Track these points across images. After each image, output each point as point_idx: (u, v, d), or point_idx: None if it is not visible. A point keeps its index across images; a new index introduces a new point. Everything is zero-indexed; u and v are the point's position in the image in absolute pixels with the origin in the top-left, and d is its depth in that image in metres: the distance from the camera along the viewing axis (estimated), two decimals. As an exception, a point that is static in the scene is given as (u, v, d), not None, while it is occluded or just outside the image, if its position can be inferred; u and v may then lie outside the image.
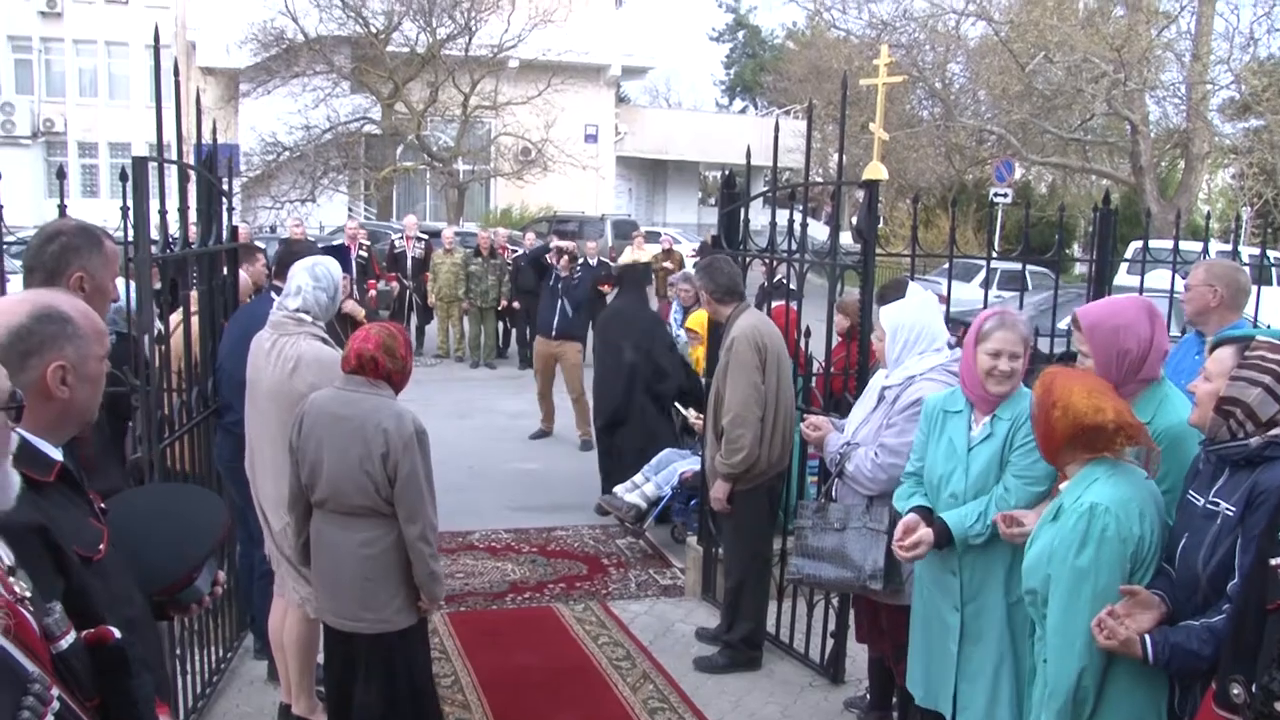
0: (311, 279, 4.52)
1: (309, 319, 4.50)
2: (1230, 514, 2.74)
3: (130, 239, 4.10)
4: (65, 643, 1.78)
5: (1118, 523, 2.91)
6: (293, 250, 5.35)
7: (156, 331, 4.35)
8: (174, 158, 4.61)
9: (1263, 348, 2.77)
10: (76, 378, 2.20)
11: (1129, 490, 2.97)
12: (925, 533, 3.69)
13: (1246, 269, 7.08)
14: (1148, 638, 2.80)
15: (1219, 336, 2.99)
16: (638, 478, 7.73)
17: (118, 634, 1.92)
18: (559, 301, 10.81)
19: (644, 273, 9.43)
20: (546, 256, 11.48)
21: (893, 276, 5.55)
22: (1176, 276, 5.73)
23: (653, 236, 23.31)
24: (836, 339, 5.86)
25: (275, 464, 4.44)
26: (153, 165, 4.24)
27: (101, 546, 2.15)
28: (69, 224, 3.11)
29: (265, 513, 4.60)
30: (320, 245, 10.71)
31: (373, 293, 14.16)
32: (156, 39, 4.37)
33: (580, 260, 11.36)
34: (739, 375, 5.30)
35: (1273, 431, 2.71)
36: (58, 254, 3.02)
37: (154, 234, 4.50)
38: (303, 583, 4.48)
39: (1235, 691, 2.43)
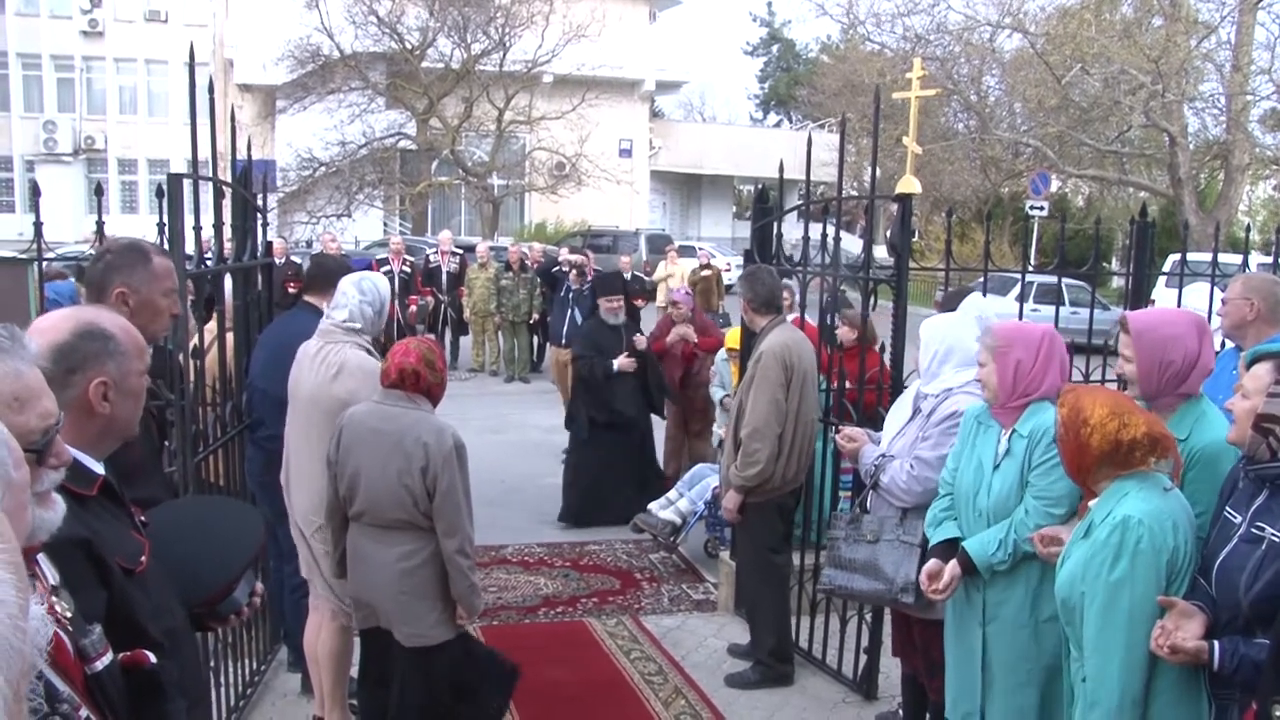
0: (358, 292, 4.62)
1: (357, 329, 4.57)
2: (1277, 540, 2.67)
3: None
4: (101, 664, 1.79)
5: (1151, 535, 2.86)
6: (323, 265, 5.45)
7: (192, 346, 4.40)
8: (209, 174, 4.65)
9: None
10: (118, 393, 2.24)
11: (1161, 503, 2.92)
12: (952, 568, 3.66)
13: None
14: (1216, 645, 2.73)
15: (1255, 351, 2.93)
16: (671, 494, 7.72)
17: (153, 658, 1.94)
18: (569, 311, 11.39)
19: (614, 283, 9.20)
20: (556, 269, 12.16)
21: (961, 286, 5.50)
22: (1215, 290, 5.66)
23: (687, 251, 23.30)
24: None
25: (310, 470, 4.46)
26: (188, 182, 4.28)
27: (143, 559, 2.18)
28: (118, 242, 3.20)
29: (298, 520, 4.62)
30: (353, 261, 10.82)
31: (413, 308, 14.30)
32: (192, 57, 4.41)
33: (589, 272, 11.77)
34: (763, 390, 5.32)
35: None
36: (102, 271, 3.14)
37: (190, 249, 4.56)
38: (335, 594, 4.51)
39: (1278, 714, 2.38)
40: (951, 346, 4.25)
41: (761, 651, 5.68)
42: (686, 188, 44.11)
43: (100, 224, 4.43)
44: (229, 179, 5.10)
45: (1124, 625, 2.87)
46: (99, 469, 2.18)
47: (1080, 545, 3.03)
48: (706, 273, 16.59)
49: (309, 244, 21.55)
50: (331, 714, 4.80)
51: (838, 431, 4.89)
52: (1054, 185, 31.19)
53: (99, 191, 4.66)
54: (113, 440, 2.29)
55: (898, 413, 4.62)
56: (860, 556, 4.38)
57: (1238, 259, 6.47)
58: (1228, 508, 2.88)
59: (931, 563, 3.77)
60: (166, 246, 4.12)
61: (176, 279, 3.28)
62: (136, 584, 2.10)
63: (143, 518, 2.31)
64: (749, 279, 5.63)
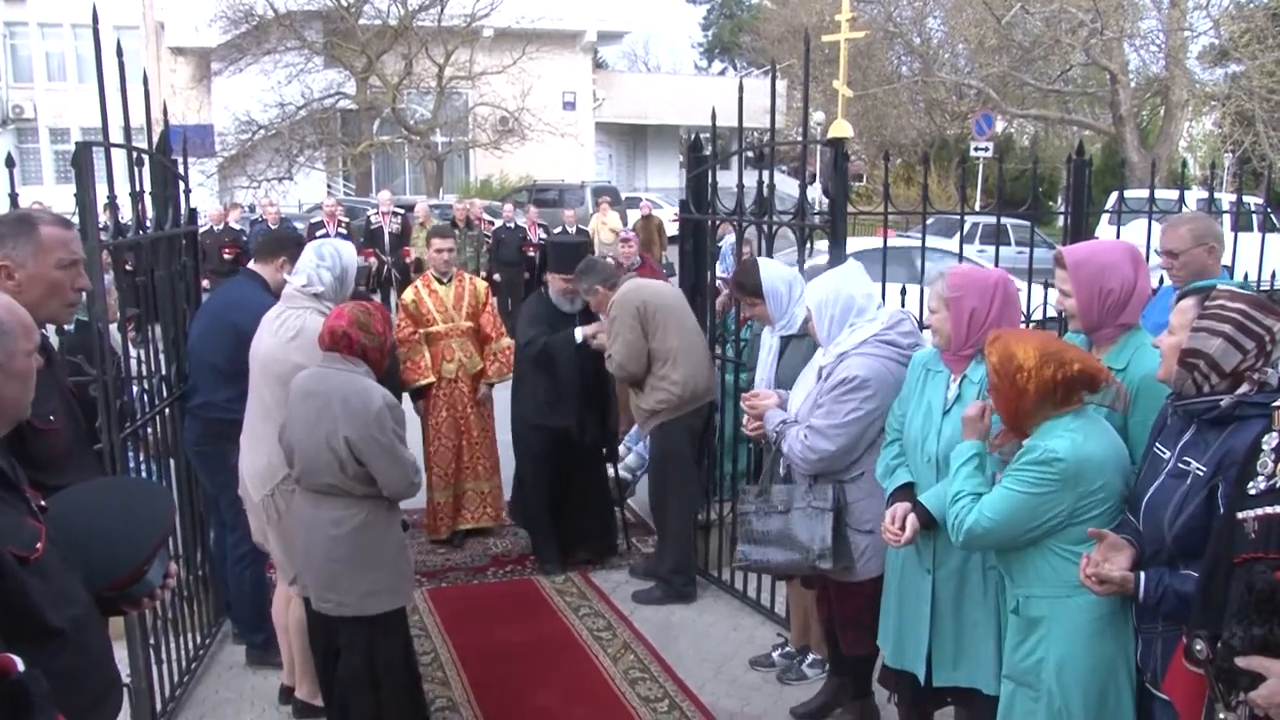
0: (317, 258, 4.57)
1: (317, 295, 4.50)
2: (1200, 474, 2.68)
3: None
4: None
5: (1066, 467, 2.93)
6: (274, 234, 5.65)
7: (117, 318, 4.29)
8: (136, 142, 4.52)
9: (1222, 296, 2.70)
10: (4, 374, 2.14)
11: (1089, 444, 2.96)
12: (912, 522, 3.59)
13: (1227, 216, 7.00)
14: (1141, 575, 2.75)
15: (1185, 289, 2.93)
16: (620, 449, 7.69)
17: (21, 666, 1.86)
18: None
19: (568, 255, 6.67)
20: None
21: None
22: (1154, 226, 5.67)
23: (633, 202, 23.19)
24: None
25: (263, 433, 4.40)
26: (99, 150, 4.16)
27: (39, 545, 2.10)
28: None
29: (247, 485, 4.53)
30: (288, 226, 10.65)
31: (354, 270, 14.12)
32: (95, 19, 4.27)
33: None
34: (617, 332, 5.84)
35: (1241, 389, 2.65)
36: None
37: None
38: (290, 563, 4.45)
39: (1198, 647, 2.40)
40: (844, 305, 4.14)
41: (664, 569, 5.92)
42: (632, 139, 43.81)
43: (14, 196, 4.30)
44: (158, 146, 4.97)
45: (1024, 499, 3.01)
46: None
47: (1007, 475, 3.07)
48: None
49: (251, 209, 21.12)
50: (301, 684, 4.74)
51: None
52: (999, 126, 31.27)
53: (10, 163, 4.49)
54: (3, 424, 2.19)
55: (804, 378, 4.47)
56: (773, 528, 4.30)
57: (1175, 195, 6.49)
58: (1157, 443, 2.89)
59: (898, 506, 3.66)
60: (77, 218, 4.00)
61: (76, 250, 3.03)
62: (33, 572, 2.03)
63: (43, 502, 2.23)
64: (584, 274, 6.17)
